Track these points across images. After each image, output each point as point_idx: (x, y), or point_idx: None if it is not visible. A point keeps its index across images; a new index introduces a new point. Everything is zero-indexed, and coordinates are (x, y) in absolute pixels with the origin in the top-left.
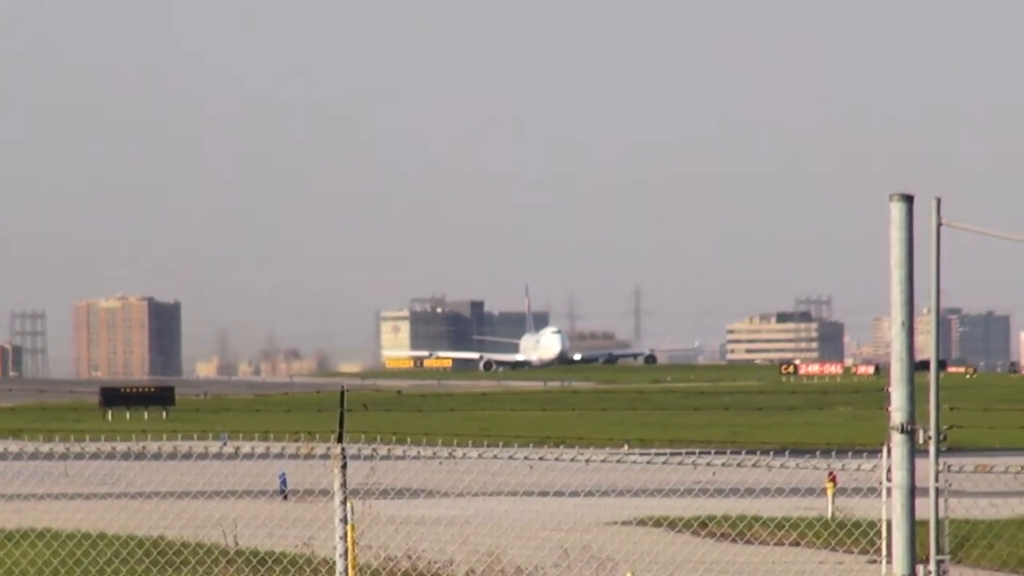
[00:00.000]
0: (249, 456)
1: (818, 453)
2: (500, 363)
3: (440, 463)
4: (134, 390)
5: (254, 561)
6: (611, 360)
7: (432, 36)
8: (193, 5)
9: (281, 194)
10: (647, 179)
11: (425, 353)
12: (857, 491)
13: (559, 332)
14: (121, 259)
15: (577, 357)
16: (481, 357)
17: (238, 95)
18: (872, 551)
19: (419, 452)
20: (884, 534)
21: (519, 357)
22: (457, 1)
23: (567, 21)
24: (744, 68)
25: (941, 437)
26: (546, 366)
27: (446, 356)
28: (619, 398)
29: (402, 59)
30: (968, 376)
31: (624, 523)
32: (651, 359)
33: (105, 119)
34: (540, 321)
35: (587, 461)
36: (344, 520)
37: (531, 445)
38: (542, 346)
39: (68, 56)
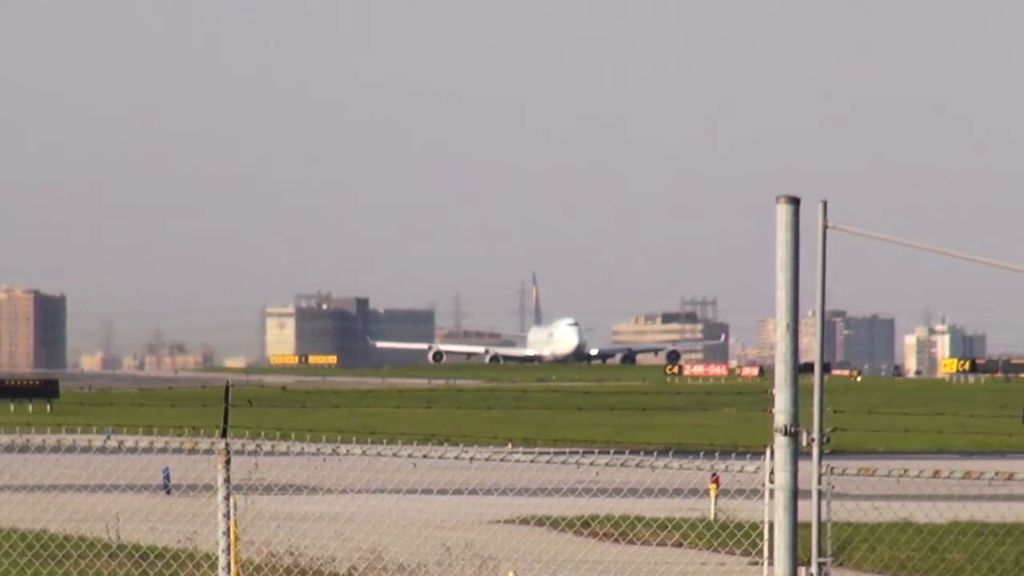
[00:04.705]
0: (133, 450)
1: (702, 454)
2: (507, 358)
3: (324, 460)
4: (18, 383)
5: (136, 555)
6: (630, 355)
7: (323, 33)
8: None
9: (167, 188)
10: (533, 178)
11: (424, 346)
12: (740, 492)
13: (575, 324)
14: (6, 250)
15: (594, 352)
16: (487, 351)
17: (126, 87)
18: (754, 552)
19: (303, 448)
20: (766, 535)
21: (528, 352)
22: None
23: (473, 27)
24: (630, 68)
25: (824, 439)
26: (559, 361)
27: (448, 350)
28: (504, 397)
29: (279, 53)
30: (852, 379)
31: (507, 522)
32: (674, 355)
33: None
34: (425, 319)
35: (471, 459)
36: (227, 515)
37: (415, 443)
38: (556, 340)
39: None
